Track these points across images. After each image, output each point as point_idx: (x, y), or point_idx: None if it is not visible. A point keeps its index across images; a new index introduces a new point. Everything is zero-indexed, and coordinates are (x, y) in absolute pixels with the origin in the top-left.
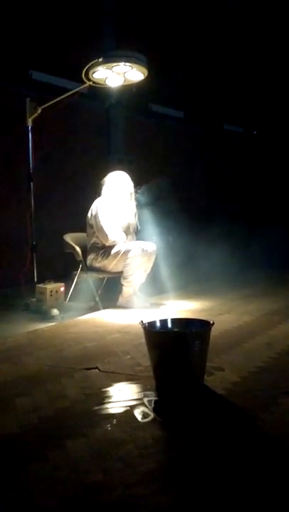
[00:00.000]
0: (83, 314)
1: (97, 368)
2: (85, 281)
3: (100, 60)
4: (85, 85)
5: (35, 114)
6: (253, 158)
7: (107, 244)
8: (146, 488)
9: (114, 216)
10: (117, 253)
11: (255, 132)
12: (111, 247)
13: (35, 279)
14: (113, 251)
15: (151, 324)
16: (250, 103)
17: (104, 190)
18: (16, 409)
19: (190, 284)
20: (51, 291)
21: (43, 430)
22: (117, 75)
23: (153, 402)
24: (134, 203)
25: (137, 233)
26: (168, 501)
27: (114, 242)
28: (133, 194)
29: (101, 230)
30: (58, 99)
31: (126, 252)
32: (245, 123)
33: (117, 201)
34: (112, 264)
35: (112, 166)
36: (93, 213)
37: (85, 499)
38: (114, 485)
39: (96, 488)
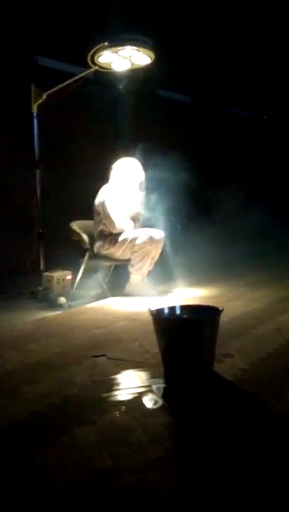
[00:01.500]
0: (91, 302)
1: (105, 355)
2: (92, 268)
3: (106, 43)
4: (91, 70)
5: (40, 100)
6: (262, 143)
7: (114, 232)
8: (155, 474)
9: (122, 204)
10: (125, 240)
11: (264, 117)
12: (118, 234)
13: (42, 267)
14: (120, 238)
15: (160, 311)
16: (258, 87)
17: (113, 176)
18: (24, 396)
19: (197, 271)
20: (58, 279)
21: (51, 417)
22: (123, 58)
23: (162, 388)
24: (143, 192)
25: (144, 220)
26: (177, 487)
27: (121, 229)
28: (143, 183)
29: (108, 217)
30: (63, 84)
31: (133, 240)
32: (253, 107)
33: (124, 189)
34: (119, 252)
35: (119, 152)
36: (100, 200)
37: (94, 485)
38: (123, 471)
39: (105, 475)
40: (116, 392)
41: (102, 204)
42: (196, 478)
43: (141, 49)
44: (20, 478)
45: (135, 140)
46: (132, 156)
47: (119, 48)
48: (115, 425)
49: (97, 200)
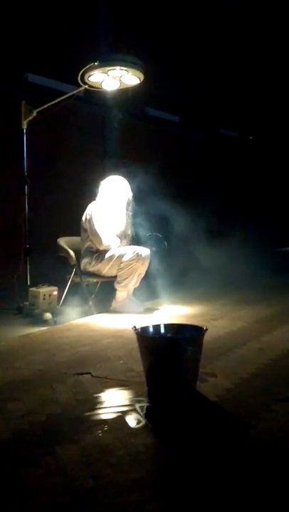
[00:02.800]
0: (77, 318)
1: (89, 373)
2: (78, 285)
3: (96, 63)
4: (81, 89)
5: (31, 117)
6: (249, 163)
7: (100, 249)
8: (137, 495)
9: (109, 221)
10: (111, 257)
11: (251, 137)
12: (105, 251)
13: (28, 283)
14: (107, 255)
15: (144, 329)
16: (246, 108)
17: (100, 194)
18: (6, 414)
19: (183, 289)
20: (44, 295)
21: (33, 436)
22: (113, 78)
23: (145, 408)
24: (130, 211)
25: (131, 240)
26: (159, 508)
27: (108, 246)
28: (131, 202)
29: (95, 234)
30: (53, 102)
31: (120, 257)
32: (241, 128)
33: (111, 206)
34: (106, 269)
35: (108, 170)
36: (87, 217)
37: (75, 506)
38: (105, 492)
39: (86, 495)
40: (99, 411)
41: (89, 221)
42: (178, 499)
43: (130, 70)
44: (0, 498)
45: (123, 157)
46: (120, 174)
47: (109, 68)
48: (98, 445)
49: (84, 217)
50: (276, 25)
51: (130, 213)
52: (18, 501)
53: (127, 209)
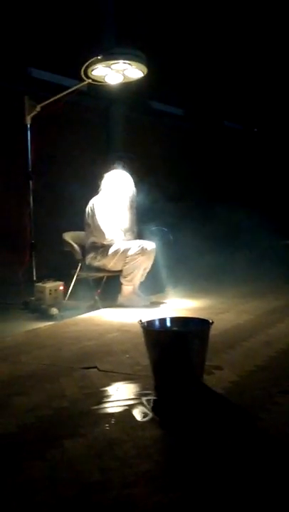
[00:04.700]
0: (82, 313)
1: (96, 367)
2: (84, 279)
3: (99, 57)
4: (84, 83)
5: (34, 112)
6: (253, 156)
7: (104, 243)
8: (144, 488)
9: (112, 215)
10: (116, 252)
11: (255, 129)
12: (110, 245)
13: (34, 278)
14: (112, 250)
15: (150, 323)
16: (250, 100)
17: (103, 187)
18: (13, 408)
19: (189, 282)
20: (50, 290)
21: (40, 430)
22: (116, 72)
23: (152, 401)
24: (134, 205)
25: (135, 234)
26: (166, 501)
27: (111, 241)
28: (134, 196)
29: (98, 228)
30: (56, 96)
31: (125, 251)
32: (245, 120)
33: (114, 200)
34: (111, 263)
35: (111, 164)
36: (90, 212)
37: (83, 499)
38: (112, 485)
39: (94, 488)
40: (106, 405)
41: (92, 216)
42: (185, 492)
43: (134, 63)
44: (8, 491)
45: (127, 151)
46: (124, 168)
47: (113, 61)
48: (105, 438)
49: (87, 212)
50: (282, 16)
51: (133, 207)
52: (26, 494)
53: (130, 203)
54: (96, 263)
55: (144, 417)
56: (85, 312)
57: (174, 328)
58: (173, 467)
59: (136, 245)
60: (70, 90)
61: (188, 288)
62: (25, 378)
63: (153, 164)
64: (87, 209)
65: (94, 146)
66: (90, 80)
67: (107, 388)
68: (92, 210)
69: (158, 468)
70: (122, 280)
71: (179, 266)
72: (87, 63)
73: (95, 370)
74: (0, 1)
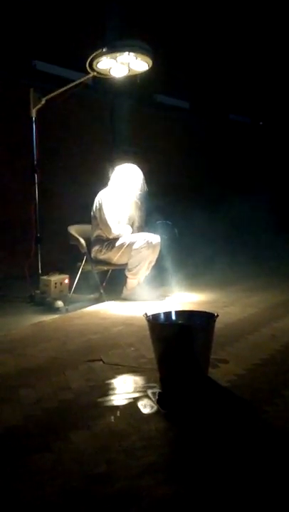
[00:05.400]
0: (88, 306)
1: (101, 360)
2: (89, 273)
3: (104, 50)
4: (89, 76)
5: (39, 105)
6: (259, 149)
7: (110, 237)
8: (149, 480)
9: (119, 209)
10: (122, 245)
11: (261, 123)
12: (115, 239)
13: (40, 271)
14: (117, 243)
15: (156, 316)
16: (256, 93)
17: (111, 181)
18: (19, 400)
19: (194, 276)
20: (56, 283)
21: (46, 422)
22: (122, 65)
23: (157, 394)
24: (142, 199)
25: (142, 228)
26: (171, 493)
27: (118, 235)
28: (142, 191)
29: (104, 222)
30: (62, 89)
31: (130, 245)
32: (251, 113)
33: (122, 194)
34: (116, 257)
35: (117, 157)
36: (97, 205)
37: (88, 490)
38: (118, 476)
39: (99, 480)
40: (111, 397)
41: (100, 210)
42: (190, 484)
43: (139, 55)
44: (14, 483)
45: (132, 145)
46: (130, 161)
47: (118, 54)
48: (110, 430)
49: (95, 205)
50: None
51: (141, 201)
52: (32, 486)
53: (138, 197)
54: (101, 256)
55: (149, 409)
56: (90, 305)
57: (179, 322)
58: (178, 459)
59: (141, 239)
60: (75, 83)
61: (192, 282)
62: (31, 371)
63: (158, 158)
64: (95, 202)
65: (99, 138)
66: (95, 73)
67: (112, 381)
68: (100, 204)
69: (163, 460)
70: (127, 273)
71: (183, 259)
72: (92, 56)
73: (101, 362)
74: None
